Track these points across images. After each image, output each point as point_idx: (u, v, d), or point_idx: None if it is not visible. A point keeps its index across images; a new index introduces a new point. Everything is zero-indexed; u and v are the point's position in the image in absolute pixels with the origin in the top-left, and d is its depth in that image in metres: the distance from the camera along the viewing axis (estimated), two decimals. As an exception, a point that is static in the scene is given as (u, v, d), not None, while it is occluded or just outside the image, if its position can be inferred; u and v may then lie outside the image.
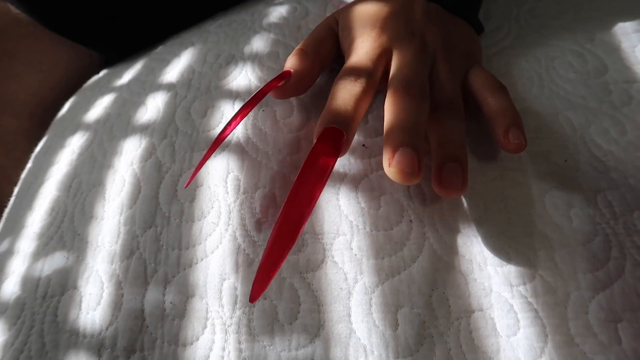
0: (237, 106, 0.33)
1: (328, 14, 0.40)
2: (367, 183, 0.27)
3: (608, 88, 0.31)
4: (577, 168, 0.27)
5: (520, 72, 0.33)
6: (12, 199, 0.36)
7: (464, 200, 0.27)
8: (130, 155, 0.32)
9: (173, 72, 0.38)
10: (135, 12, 0.44)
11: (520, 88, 0.32)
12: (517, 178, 0.27)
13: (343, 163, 0.29)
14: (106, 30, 0.44)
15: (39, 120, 0.50)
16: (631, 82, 0.31)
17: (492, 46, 0.36)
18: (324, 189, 0.25)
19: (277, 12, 0.41)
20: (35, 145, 0.52)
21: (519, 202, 0.26)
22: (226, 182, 0.28)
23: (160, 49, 0.43)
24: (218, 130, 0.31)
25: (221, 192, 0.28)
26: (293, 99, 0.33)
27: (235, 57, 0.37)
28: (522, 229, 0.25)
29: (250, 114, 0.31)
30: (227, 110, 0.32)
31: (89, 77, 0.47)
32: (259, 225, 0.27)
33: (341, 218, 0.26)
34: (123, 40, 0.46)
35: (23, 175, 0.38)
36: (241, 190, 0.28)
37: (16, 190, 0.37)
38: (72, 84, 0.48)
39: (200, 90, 0.35)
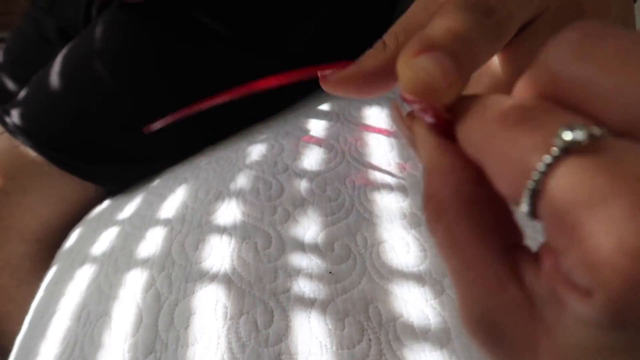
0: (225, 239, 0.39)
1: (300, 150, 0.48)
2: (333, 306, 0.33)
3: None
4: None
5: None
6: (25, 327, 0.41)
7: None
8: (133, 287, 0.37)
9: (169, 207, 0.44)
10: (133, 155, 0.52)
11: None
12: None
13: (313, 289, 0.34)
14: (109, 169, 0.52)
15: (43, 244, 0.56)
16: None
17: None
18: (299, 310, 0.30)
19: (257, 150, 0.49)
20: (37, 265, 0.57)
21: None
22: (215, 310, 0.34)
23: (157, 182, 0.50)
24: (209, 262, 0.37)
25: (211, 319, 0.34)
26: (271, 231, 0.39)
27: (222, 194, 0.44)
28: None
29: (235, 246, 0.38)
30: (216, 243, 0.39)
31: (93, 206, 0.54)
32: (243, 348, 0.32)
33: (312, 339, 0.32)
34: (124, 177, 0.53)
35: (35, 304, 0.43)
36: (228, 316, 0.33)
37: (28, 318, 0.42)
38: (78, 213, 0.54)
39: (193, 225, 0.41)
